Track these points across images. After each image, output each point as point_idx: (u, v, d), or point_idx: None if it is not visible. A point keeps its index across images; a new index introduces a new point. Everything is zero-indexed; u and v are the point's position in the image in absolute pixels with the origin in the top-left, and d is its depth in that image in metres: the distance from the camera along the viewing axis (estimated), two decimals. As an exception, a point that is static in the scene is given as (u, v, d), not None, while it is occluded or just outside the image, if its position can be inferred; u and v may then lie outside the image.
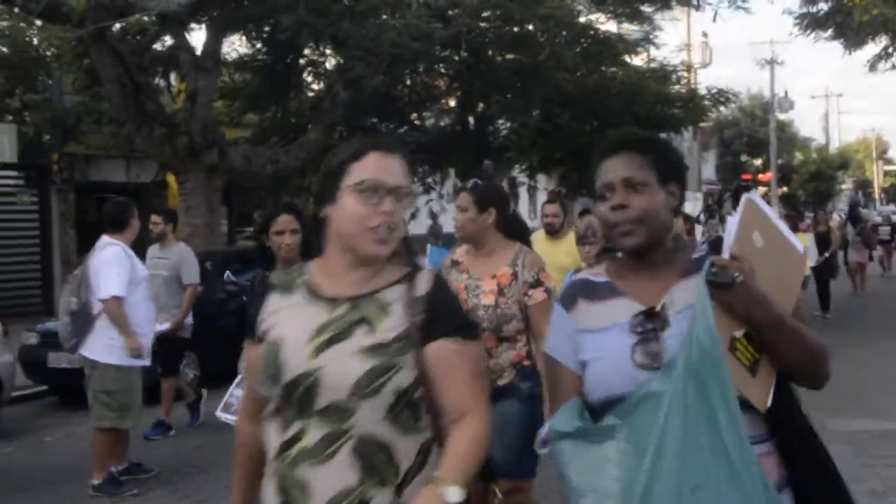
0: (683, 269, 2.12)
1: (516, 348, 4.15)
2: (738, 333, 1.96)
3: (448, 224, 13.24)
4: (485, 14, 14.96)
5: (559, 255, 7.00)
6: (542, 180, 23.08)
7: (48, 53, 16.34)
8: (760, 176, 50.74)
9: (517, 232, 4.48)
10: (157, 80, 14.92)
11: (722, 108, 25.00)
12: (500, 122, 18.24)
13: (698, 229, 15.73)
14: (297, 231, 4.56)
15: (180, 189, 13.15)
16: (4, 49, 16.44)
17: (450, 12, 14.12)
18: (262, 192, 18.27)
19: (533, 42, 15.13)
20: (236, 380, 4.68)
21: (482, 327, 4.08)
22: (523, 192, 25.26)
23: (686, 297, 2.04)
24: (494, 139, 18.22)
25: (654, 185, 2.08)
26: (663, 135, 23.99)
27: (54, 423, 8.81)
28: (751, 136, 50.25)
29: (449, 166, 18.31)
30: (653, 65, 19.32)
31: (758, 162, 52.10)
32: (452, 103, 18.24)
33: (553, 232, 7.46)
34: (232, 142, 13.81)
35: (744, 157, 52.27)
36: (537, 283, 4.12)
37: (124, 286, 6.21)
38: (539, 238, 7.52)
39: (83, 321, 6.22)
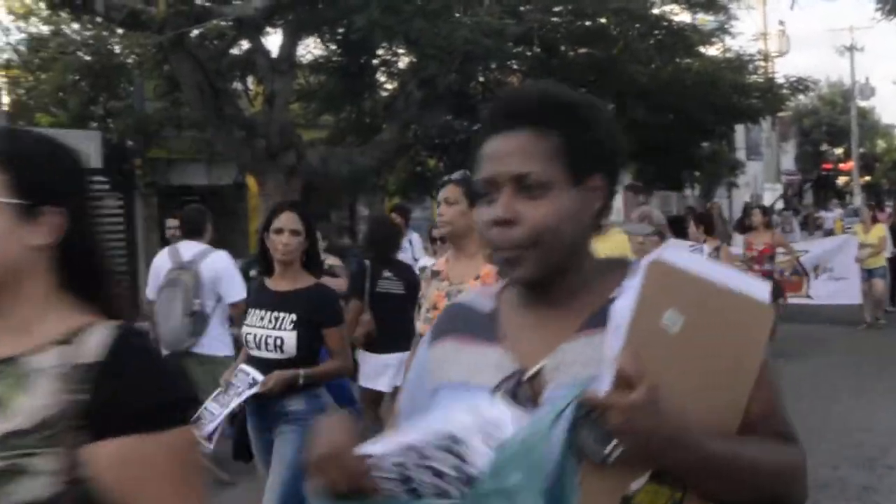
0: (590, 314, 1.43)
1: None
2: (637, 485, 1.32)
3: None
4: (557, 9, 14.91)
5: (601, 252, 6.77)
6: (617, 174, 22.93)
7: (129, 61, 16.76)
8: (841, 165, 49.60)
9: None
10: (234, 84, 15.19)
11: (801, 97, 24.52)
12: (574, 117, 18.15)
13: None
14: (298, 232, 4.29)
15: (260, 191, 13.39)
16: (88, 58, 16.91)
17: (521, 8, 14.10)
18: (339, 191, 18.48)
19: (606, 36, 15.04)
20: (214, 393, 4.58)
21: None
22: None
23: (578, 366, 1.38)
24: (568, 134, 18.15)
25: (562, 185, 1.40)
26: (740, 125, 23.57)
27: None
28: (831, 125, 49.09)
29: (523, 162, 18.30)
30: (728, 55, 19.00)
31: (838, 151, 50.90)
32: (525, 99, 18.22)
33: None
34: (309, 143, 13.99)
35: (824, 147, 51.11)
36: None
37: None
38: None
39: (202, 322, 6.46)
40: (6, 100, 17.15)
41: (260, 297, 4.52)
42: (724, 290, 1.31)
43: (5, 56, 18.46)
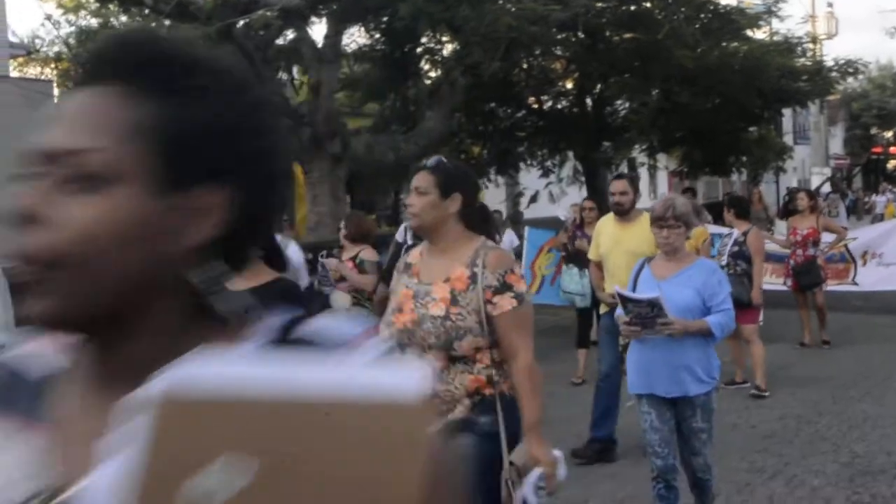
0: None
1: (474, 371, 3.27)
2: None
3: (565, 209, 13.25)
4: (602, -7, 14.81)
5: (629, 240, 6.48)
6: (663, 160, 22.73)
7: (177, 52, 16.98)
8: (892, 149, 48.81)
9: (483, 225, 3.53)
10: (280, 74, 15.32)
11: (850, 80, 24.11)
12: (619, 102, 18.04)
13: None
14: None
15: (306, 179, 13.51)
16: (136, 50, 17.14)
17: (566, -7, 14.02)
18: (384, 179, 18.56)
19: (651, 20, 14.91)
20: None
21: (429, 343, 3.25)
22: (643, 173, 24.90)
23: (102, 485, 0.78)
24: (613, 120, 18.05)
25: (139, 183, 0.86)
26: (788, 109, 23.23)
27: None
28: (881, 108, 48.28)
29: (567, 149, 18.21)
30: (776, 38, 18.77)
31: (888, 134, 50.09)
32: (570, 85, 18.13)
33: (622, 213, 6.76)
34: (354, 131, 14.08)
35: (874, 130, 50.30)
36: (504, 288, 3.24)
37: None
38: (608, 221, 6.97)
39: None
40: (57, 92, 17.42)
41: None
42: (315, 406, 0.72)
43: (56, 49, 18.84)
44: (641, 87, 16.14)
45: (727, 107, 16.87)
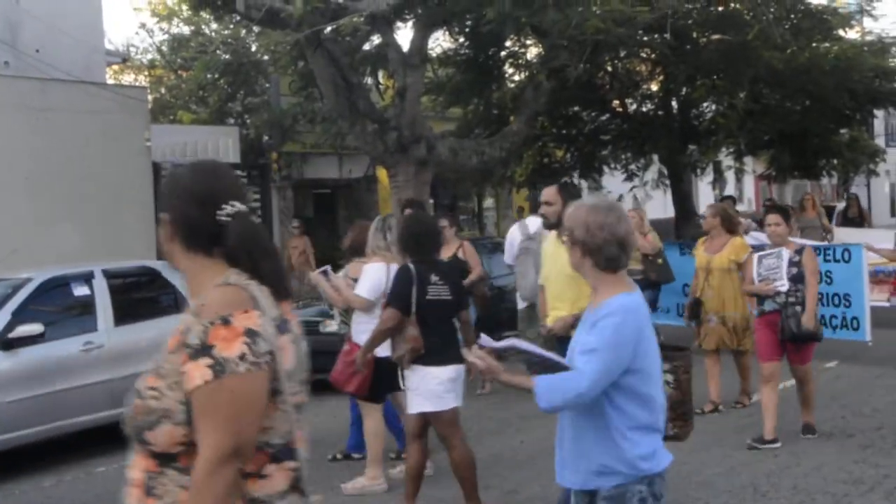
0: None
1: None
2: None
3: (653, 212, 13.05)
4: (690, -6, 14.62)
5: (566, 260, 4.47)
6: (750, 163, 22.31)
7: (265, 58, 17.32)
8: None
9: (244, 245, 2.22)
10: (365, 79, 15.50)
11: (946, 80, 23.29)
12: (705, 105, 17.80)
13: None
14: None
15: (391, 182, 13.63)
16: (226, 56, 17.54)
17: (654, -6, 13.87)
18: (467, 183, 18.64)
19: (739, 21, 14.68)
20: None
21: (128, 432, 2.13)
22: (730, 176, 24.47)
23: None
24: (699, 123, 17.81)
25: None
26: (880, 111, 22.60)
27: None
28: (978, 109, 46.60)
29: (652, 152, 18.03)
30: (869, 37, 18.27)
31: None
32: (655, 88, 17.94)
33: (548, 227, 5.94)
34: (438, 135, 14.16)
35: (970, 132, 48.60)
36: (202, 350, 2.01)
37: None
38: (550, 237, 5.97)
39: None
40: (150, 98, 17.93)
41: None
42: None
43: (149, 56, 19.39)
44: (729, 90, 15.89)
45: (817, 108, 16.49)
